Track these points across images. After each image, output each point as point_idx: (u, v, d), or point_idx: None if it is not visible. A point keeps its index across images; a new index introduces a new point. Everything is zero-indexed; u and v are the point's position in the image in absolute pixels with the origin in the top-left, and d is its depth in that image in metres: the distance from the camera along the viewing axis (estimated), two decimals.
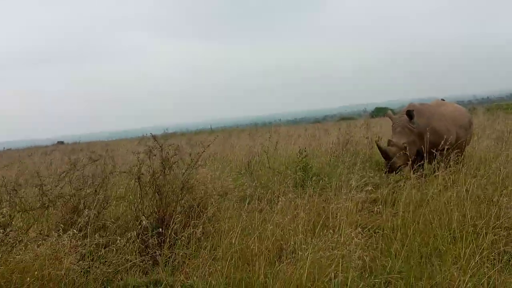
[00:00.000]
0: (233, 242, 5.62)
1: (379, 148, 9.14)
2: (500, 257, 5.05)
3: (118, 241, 5.27)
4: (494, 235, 5.30)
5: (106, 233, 5.90)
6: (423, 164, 9.22)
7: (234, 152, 13.58)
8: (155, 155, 6.54)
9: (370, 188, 6.74)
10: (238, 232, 5.84)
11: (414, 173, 8.34)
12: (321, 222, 6.23)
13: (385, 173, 8.84)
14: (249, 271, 5.15)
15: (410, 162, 8.80)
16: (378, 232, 6.04)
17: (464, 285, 4.45)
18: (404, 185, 7.40)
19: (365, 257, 4.84)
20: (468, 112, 10.40)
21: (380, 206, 6.48)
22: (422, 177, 8.28)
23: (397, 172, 8.73)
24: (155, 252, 5.57)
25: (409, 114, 9.22)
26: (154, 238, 5.63)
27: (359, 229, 5.39)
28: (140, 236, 5.64)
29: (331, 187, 7.43)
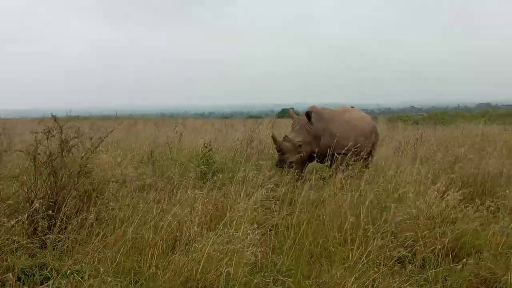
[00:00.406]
0: (128, 230, 5.54)
1: (274, 140, 9.50)
2: (386, 261, 5.24)
3: (6, 223, 5.05)
4: (382, 240, 5.52)
5: None
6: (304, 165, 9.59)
7: (138, 140, 13.34)
8: (53, 136, 6.31)
9: (271, 186, 6.83)
10: (133, 221, 5.76)
11: (299, 175, 8.67)
12: (218, 216, 6.27)
13: (276, 166, 9.15)
14: (140, 260, 5.09)
15: (301, 161, 9.28)
16: (273, 229, 6.13)
17: (350, 285, 4.60)
18: (302, 185, 7.57)
19: (258, 253, 4.91)
20: (372, 121, 10.74)
21: (277, 204, 6.58)
22: (322, 179, 8.53)
23: (288, 167, 8.99)
24: (44, 235, 5.38)
25: (308, 115, 9.55)
26: (44, 221, 5.44)
27: (255, 226, 5.47)
28: (29, 218, 5.43)
29: (232, 182, 7.46)
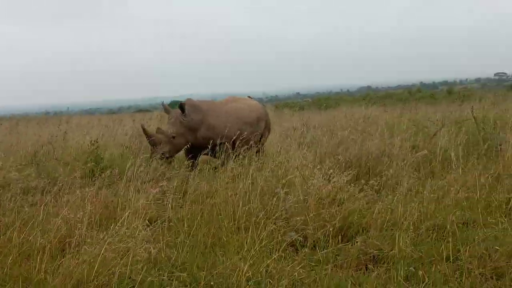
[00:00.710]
0: (13, 236, 5.30)
1: (144, 131, 9.60)
2: (279, 246, 5.35)
3: None
4: (274, 225, 5.63)
5: None
6: (195, 157, 9.77)
7: (20, 141, 12.75)
8: None
9: (164, 182, 6.78)
10: (18, 226, 5.52)
11: (189, 165, 8.85)
12: (109, 215, 6.14)
13: (150, 157, 9.17)
14: (29, 266, 4.89)
15: (175, 151, 9.60)
16: (166, 224, 6.08)
17: (244, 273, 4.65)
18: (194, 177, 7.56)
19: (152, 249, 4.86)
20: (261, 109, 10.79)
21: (169, 198, 6.53)
22: (213, 169, 8.61)
23: (161, 159, 9.09)
24: None
25: (181, 107, 9.70)
26: None
27: (147, 222, 5.39)
28: None
29: (121, 179, 7.32)
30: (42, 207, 6.24)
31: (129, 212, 5.69)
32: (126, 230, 5.09)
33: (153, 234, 5.49)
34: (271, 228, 5.57)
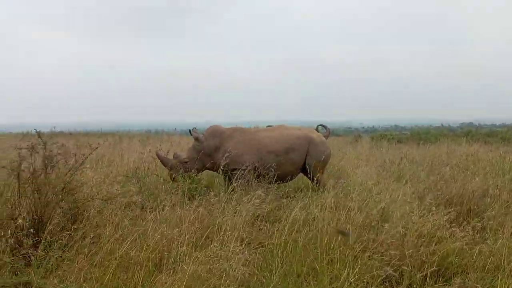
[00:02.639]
0: (113, 249, 5.48)
1: (158, 156, 10.12)
2: (373, 281, 5.22)
3: None
4: (370, 259, 5.50)
5: None
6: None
7: (123, 157, 13.26)
8: (37, 152, 6.26)
9: (257, 203, 6.83)
10: (119, 239, 5.71)
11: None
12: (205, 234, 6.23)
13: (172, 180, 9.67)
14: (126, 279, 5.03)
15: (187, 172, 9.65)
16: (261, 248, 6.09)
17: None
18: (289, 203, 7.56)
19: (245, 272, 4.87)
20: (297, 140, 10.28)
21: (265, 223, 6.55)
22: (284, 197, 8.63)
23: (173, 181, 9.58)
24: (29, 253, 5.31)
25: (193, 134, 10.12)
26: (29, 238, 5.37)
27: (243, 244, 5.41)
28: (14, 235, 5.36)
29: (220, 199, 7.43)
30: (141, 221, 6.44)
31: (226, 233, 5.76)
32: (222, 251, 5.14)
33: (248, 257, 5.50)
34: (365, 261, 5.45)
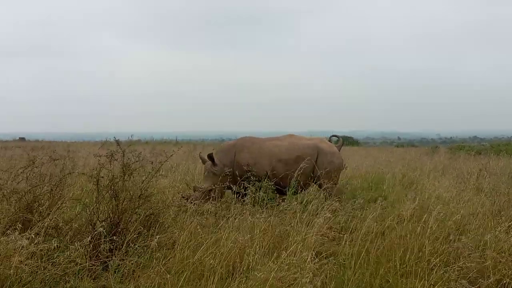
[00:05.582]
0: (187, 255, 5.57)
1: (183, 197, 9.35)
2: None
3: (70, 245, 5.18)
4: (445, 273, 5.35)
5: (58, 233, 5.81)
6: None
7: (197, 164, 13.49)
8: (116, 160, 6.46)
9: (328, 215, 6.77)
10: (192, 246, 5.79)
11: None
12: (277, 243, 6.23)
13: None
14: (200, 286, 5.10)
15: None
16: (333, 258, 6.03)
17: None
18: (362, 214, 7.46)
19: (316, 282, 4.84)
20: (306, 149, 10.15)
21: (337, 233, 6.49)
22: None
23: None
24: (107, 258, 5.47)
25: (210, 158, 9.86)
26: (106, 244, 5.53)
27: (314, 254, 5.37)
28: (93, 241, 5.53)
29: (290, 209, 7.42)
30: (214, 229, 6.52)
31: (299, 243, 5.75)
32: (295, 260, 5.12)
33: (320, 267, 5.46)
34: (441, 274, 5.30)
